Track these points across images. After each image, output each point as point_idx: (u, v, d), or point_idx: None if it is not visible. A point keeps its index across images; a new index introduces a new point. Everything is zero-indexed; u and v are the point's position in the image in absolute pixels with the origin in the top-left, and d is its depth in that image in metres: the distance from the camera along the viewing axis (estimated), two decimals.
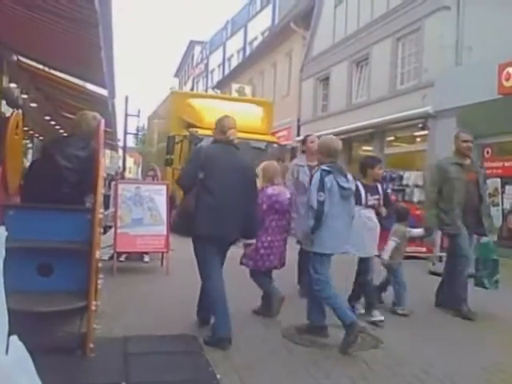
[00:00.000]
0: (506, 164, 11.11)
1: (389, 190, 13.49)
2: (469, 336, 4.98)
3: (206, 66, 42.57)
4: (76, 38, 6.29)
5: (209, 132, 11.84)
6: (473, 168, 6.07)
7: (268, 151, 13.43)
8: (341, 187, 4.46)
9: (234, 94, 22.63)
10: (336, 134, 12.45)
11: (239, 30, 34.07)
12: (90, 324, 3.69)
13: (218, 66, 38.82)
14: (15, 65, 9.38)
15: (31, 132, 15.12)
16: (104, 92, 10.13)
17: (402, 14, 14.31)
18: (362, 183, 5.37)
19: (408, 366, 3.98)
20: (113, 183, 8.52)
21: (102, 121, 4.35)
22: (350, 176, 4.66)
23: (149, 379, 3.50)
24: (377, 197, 5.46)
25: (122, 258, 7.69)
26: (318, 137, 5.81)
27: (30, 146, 17.60)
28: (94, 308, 3.72)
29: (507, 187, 11.11)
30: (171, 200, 11.42)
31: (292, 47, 21.96)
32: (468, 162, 6.04)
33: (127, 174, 35.18)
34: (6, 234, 2.05)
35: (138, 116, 36.84)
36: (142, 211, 7.22)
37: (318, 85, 19.64)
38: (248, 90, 24.49)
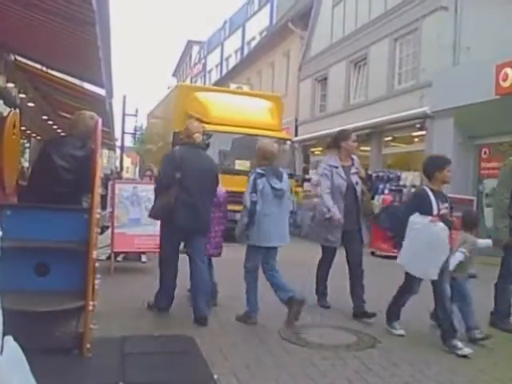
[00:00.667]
0: None
1: (386, 191, 13.56)
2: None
3: (204, 65, 42.56)
4: (74, 37, 6.28)
5: (218, 127, 11.63)
6: None
7: (281, 149, 12.65)
8: (273, 188, 4.98)
9: None
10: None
11: (237, 30, 34.06)
12: (86, 324, 3.69)
13: (216, 66, 38.81)
14: (12, 64, 9.36)
15: (28, 132, 15.10)
16: (102, 91, 10.11)
17: (399, 15, 14.33)
18: (431, 189, 4.66)
19: (405, 366, 3.99)
20: (110, 183, 8.51)
21: (100, 120, 4.34)
22: (285, 176, 5.20)
23: (146, 379, 3.50)
24: (446, 205, 4.71)
25: (119, 258, 7.69)
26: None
27: (27, 145, 17.58)
28: (90, 308, 3.71)
29: None
30: None
31: (290, 47, 21.96)
32: None
33: (124, 174, 35.18)
34: (0, 233, 2.04)
35: (136, 116, 36.85)
36: (139, 211, 7.21)
37: (316, 85, 19.66)
38: (246, 89, 24.46)
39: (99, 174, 3.95)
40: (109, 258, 7.22)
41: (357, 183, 5.57)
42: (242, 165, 11.77)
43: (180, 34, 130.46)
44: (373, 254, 10.82)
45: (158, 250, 7.20)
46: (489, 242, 5.10)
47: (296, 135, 19.37)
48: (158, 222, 5.40)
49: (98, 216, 3.84)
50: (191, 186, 4.87)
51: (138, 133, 39.50)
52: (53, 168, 4.26)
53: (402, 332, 4.82)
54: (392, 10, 14.67)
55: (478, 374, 3.93)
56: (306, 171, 15.58)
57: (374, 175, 14.04)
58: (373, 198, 12.49)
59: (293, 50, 21.70)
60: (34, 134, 16.60)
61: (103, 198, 7.36)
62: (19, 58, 9.42)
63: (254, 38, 30.47)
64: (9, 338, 1.82)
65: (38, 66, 10.13)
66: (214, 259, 5.68)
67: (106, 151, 33.25)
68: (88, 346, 3.68)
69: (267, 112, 13.63)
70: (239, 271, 5.21)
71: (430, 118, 12.75)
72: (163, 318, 4.99)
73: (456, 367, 4.05)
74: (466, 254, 4.84)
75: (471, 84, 10.82)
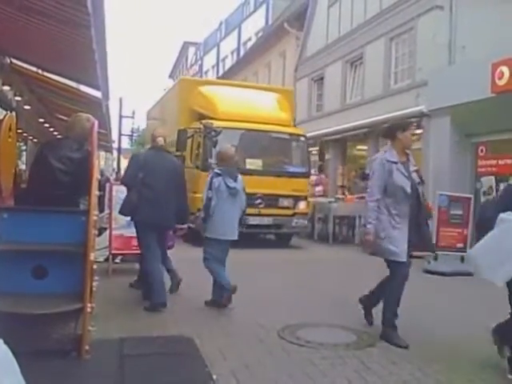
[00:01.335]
0: (500, 162, 11.15)
1: None
2: (468, 335, 5.00)
3: (201, 66, 42.60)
4: (69, 40, 6.27)
5: (226, 123, 10.86)
6: None
7: (294, 145, 12.04)
8: (228, 187, 5.50)
9: None
10: (331, 134, 12.44)
11: (233, 31, 34.10)
12: (85, 326, 3.68)
13: (212, 67, 38.84)
14: (8, 67, 9.35)
15: (25, 134, 15.08)
16: (98, 94, 10.09)
17: (395, 14, 14.35)
18: None
19: (404, 365, 3.99)
20: (107, 184, 8.49)
21: (96, 122, 4.34)
22: (239, 177, 5.69)
23: (145, 381, 3.50)
24: None
25: (117, 260, 7.68)
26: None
27: (24, 148, 17.56)
28: (89, 310, 3.71)
29: (501, 185, 11.14)
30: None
31: (286, 47, 21.98)
32: None
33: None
34: None
35: (133, 117, 36.87)
36: None
37: (313, 85, 19.67)
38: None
39: (96, 176, 3.95)
40: (107, 259, 7.22)
41: (419, 183, 4.69)
42: (253, 164, 11.03)
43: (176, 36, 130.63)
44: (371, 253, 10.82)
45: None
46: None
47: None
48: None
49: (95, 218, 3.84)
50: (153, 183, 5.34)
51: (134, 134, 39.50)
52: (49, 170, 4.25)
53: None
54: (387, 10, 14.69)
55: (477, 373, 3.93)
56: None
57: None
58: None
59: (289, 51, 21.72)
60: (31, 137, 16.57)
61: (100, 199, 7.38)
62: (15, 61, 9.41)
63: (250, 39, 30.50)
64: None
65: (34, 69, 10.13)
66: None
67: (102, 153, 33.18)
68: (86, 347, 3.68)
69: (278, 106, 12.67)
70: (239, 273, 5.21)
71: (426, 116, 12.77)
72: (162, 319, 4.98)
73: (455, 366, 4.05)
74: None
75: (467, 82, 10.84)
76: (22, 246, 3.82)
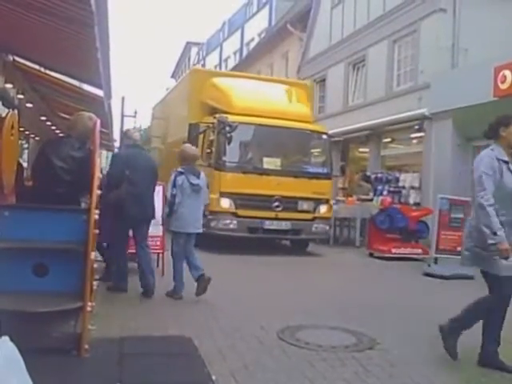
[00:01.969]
0: None
1: (385, 192, 13.58)
2: (466, 337, 4.99)
3: (203, 67, 42.50)
4: (72, 38, 6.27)
5: (243, 118, 10.13)
6: None
7: (316, 143, 11.40)
8: (191, 184, 5.93)
9: None
10: (333, 136, 12.29)
11: (236, 32, 34.07)
12: (85, 325, 3.68)
13: (215, 67, 38.79)
14: (11, 65, 9.35)
15: (27, 132, 15.08)
16: (100, 93, 10.09)
17: (398, 16, 14.35)
18: None
19: (404, 368, 3.99)
20: None
21: (98, 121, 4.35)
22: (202, 174, 6.15)
23: (144, 380, 3.50)
24: None
25: None
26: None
27: (25, 146, 17.57)
28: (89, 309, 3.71)
29: None
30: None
31: (289, 49, 21.98)
32: None
33: None
34: None
35: (135, 117, 36.85)
36: None
37: (315, 86, 19.66)
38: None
39: (98, 175, 3.95)
40: None
41: None
42: (270, 163, 10.37)
43: (179, 36, 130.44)
44: (371, 255, 10.83)
45: (158, 251, 7.27)
46: None
47: None
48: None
49: (96, 217, 3.84)
50: (138, 180, 5.75)
51: None
52: (51, 168, 4.26)
53: None
54: (390, 12, 14.69)
55: (476, 376, 3.93)
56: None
57: (373, 176, 14.08)
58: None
59: (291, 52, 21.72)
60: (33, 135, 16.58)
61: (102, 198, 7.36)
62: (18, 59, 9.40)
63: (252, 40, 30.47)
64: (6, 339, 1.81)
65: (37, 67, 10.12)
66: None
67: (104, 152, 33.19)
68: (86, 346, 3.68)
69: (297, 100, 11.85)
70: (239, 276, 5.21)
71: (428, 119, 12.77)
72: (161, 319, 4.98)
73: (454, 368, 4.05)
74: None
75: (469, 86, 10.83)
76: (22, 243, 3.83)
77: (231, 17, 37.04)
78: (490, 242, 3.85)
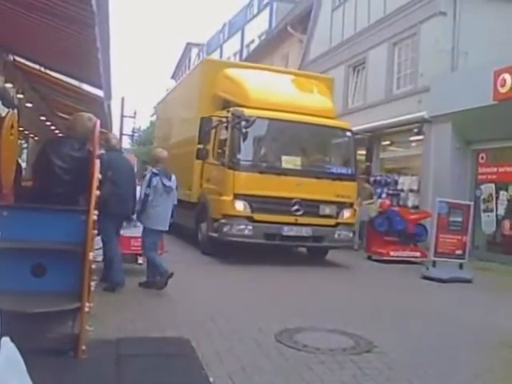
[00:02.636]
0: (501, 170, 11.18)
1: (383, 195, 13.58)
2: (464, 341, 4.99)
3: None
4: (73, 38, 6.28)
5: (260, 113, 9.16)
6: None
7: (339, 141, 10.50)
8: (164, 185, 6.41)
9: None
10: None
11: (236, 33, 34.08)
12: (82, 326, 3.67)
13: None
14: (11, 65, 9.35)
15: (26, 132, 15.07)
16: (100, 93, 10.11)
17: (398, 19, 14.37)
18: None
19: (401, 371, 3.98)
20: None
21: (98, 122, 4.35)
22: (173, 177, 6.60)
23: (141, 382, 3.49)
24: None
25: None
26: None
27: (24, 146, 17.55)
28: (86, 310, 3.70)
29: (501, 193, 11.17)
30: (203, 209, 9.92)
31: (289, 50, 21.98)
32: None
33: None
34: None
35: (134, 117, 36.89)
36: None
37: None
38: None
39: (97, 176, 3.94)
40: None
41: None
42: (290, 162, 9.39)
43: (179, 37, 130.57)
44: (369, 258, 10.83)
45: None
46: None
47: None
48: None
49: (94, 217, 3.84)
50: (119, 181, 6.14)
51: (136, 134, 39.49)
52: (50, 167, 4.26)
53: None
54: (391, 15, 14.71)
55: (472, 379, 3.93)
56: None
57: (372, 179, 14.08)
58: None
59: (292, 54, 21.72)
60: (32, 135, 16.57)
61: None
62: (18, 59, 9.41)
63: (253, 41, 30.48)
64: (6, 340, 1.81)
65: (37, 67, 10.13)
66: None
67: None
68: (84, 347, 3.67)
69: (319, 94, 10.84)
70: (238, 279, 5.21)
71: (427, 122, 12.78)
72: (159, 321, 4.97)
73: (452, 371, 4.05)
74: None
75: (469, 89, 10.85)
76: (21, 243, 3.82)
77: (232, 18, 37.05)
78: None
